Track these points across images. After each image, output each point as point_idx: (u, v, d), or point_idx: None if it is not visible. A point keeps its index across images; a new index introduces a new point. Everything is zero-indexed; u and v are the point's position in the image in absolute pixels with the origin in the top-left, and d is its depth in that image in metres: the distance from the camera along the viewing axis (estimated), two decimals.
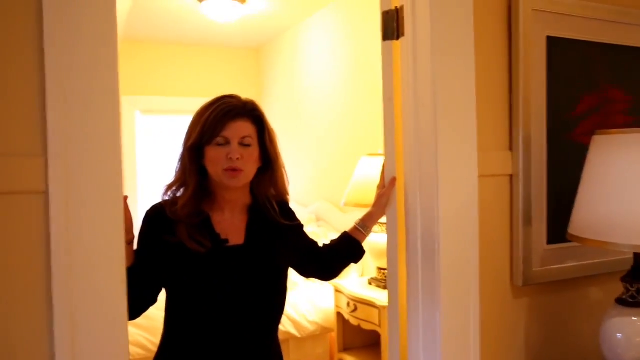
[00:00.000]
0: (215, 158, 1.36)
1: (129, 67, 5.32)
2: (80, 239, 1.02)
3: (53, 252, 1.00)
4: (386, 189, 1.54)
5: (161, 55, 5.51)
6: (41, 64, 1.00)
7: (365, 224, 1.65)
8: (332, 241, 1.68)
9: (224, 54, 5.78)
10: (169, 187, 1.43)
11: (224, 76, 5.61)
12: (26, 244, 1.01)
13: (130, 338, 2.79)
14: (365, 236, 1.66)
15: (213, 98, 1.42)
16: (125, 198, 1.20)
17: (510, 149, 1.47)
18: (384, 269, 2.86)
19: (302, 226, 1.62)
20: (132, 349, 2.81)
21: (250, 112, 1.42)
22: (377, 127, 3.42)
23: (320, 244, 1.68)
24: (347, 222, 3.93)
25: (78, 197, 1.02)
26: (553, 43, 1.48)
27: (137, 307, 1.35)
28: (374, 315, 2.70)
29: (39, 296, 1.01)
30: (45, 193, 1.00)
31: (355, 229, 1.66)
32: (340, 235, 1.68)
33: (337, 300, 3.10)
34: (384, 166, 1.58)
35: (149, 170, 5.52)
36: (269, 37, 5.43)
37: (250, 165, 1.40)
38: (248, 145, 1.39)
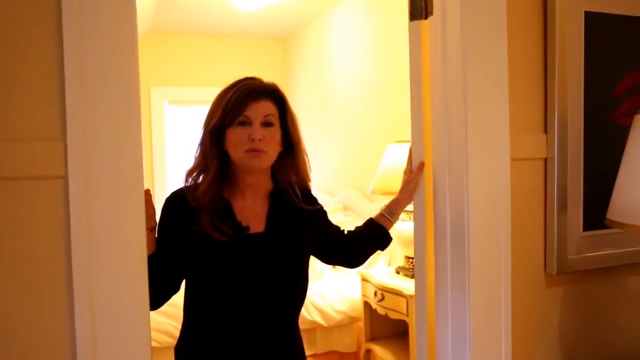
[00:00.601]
0: (236, 139, 1.33)
1: (157, 59, 5.35)
2: (101, 224, 1.01)
3: (73, 238, 0.99)
4: (414, 174, 1.49)
5: (188, 47, 5.53)
6: (59, 47, 0.99)
7: (392, 210, 1.59)
8: (357, 227, 1.64)
9: (251, 44, 5.77)
10: (190, 172, 1.41)
11: (251, 66, 5.59)
12: (45, 230, 1.00)
13: (158, 326, 2.82)
14: (391, 223, 1.61)
15: (234, 80, 1.39)
16: (147, 191, 1.19)
17: (545, 131, 1.40)
18: (412, 258, 2.81)
19: (324, 212, 1.59)
20: (160, 337, 2.84)
21: (272, 93, 1.40)
22: (404, 114, 3.35)
23: (345, 232, 1.64)
24: (374, 211, 3.85)
25: (98, 182, 1.01)
26: (591, 18, 1.40)
27: (159, 296, 1.33)
28: (401, 304, 2.66)
29: (59, 282, 1.01)
30: (65, 178, 0.99)
31: (381, 215, 1.61)
32: (366, 222, 1.63)
33: (364, 289, 3.06)
34: (411, 151, 1.53)
35: (178, 160, 5.56)
36: (295, 26, 5.39)
37: (272, 147, 1.37)
38: (271, 125, 1.36)
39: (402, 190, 1.55)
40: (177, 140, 5.66)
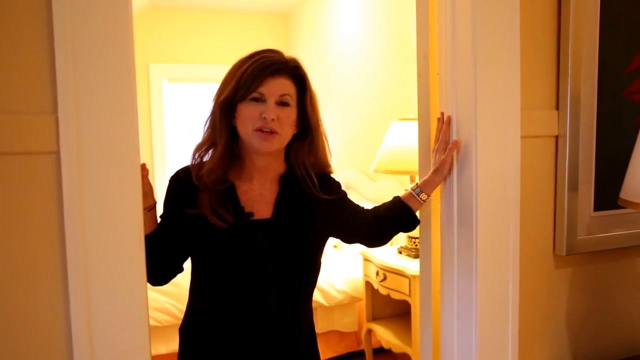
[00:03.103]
0: (247, 116, 1.23)
1: (156, 36, 5.26)
2: (95, 201, 0.97)
3: (66, 216, 0.95)
4: (447, 154, 1.34)
5: (187, 23, 5.43)
6: (48, 14, 0.93)
7: (423, 190, 1.42)
8: (383, 205, 1.50)
9: (252, 20, 5.67)
10: (198, 147, 1.31)
11: (251, 42, 5.47)
12: (37, 209, 0.96)
13: (158, 305, 2.80)
14: (420, 204, 1.44)
15: (253, 51, 1.29)
16: (143, 165, 1.13)
17: (557, 107, 1.36)
18: (415, 238, 2.78)
19: (346, 198, 1.46)
20: (160, 316, 2.82)
21: (292, 70, 1.28)
22: (408, 90, 3.29)
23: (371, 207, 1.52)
24: (377, 190, 3.86)
25: (91, 158, 0.96)
26: None
27: (163, 273, 1.29)
28: (404, 284, 2.64)
29: (53, 263, 0.97)
30: (57, 153, 0.95)
31: (410, 195, 1.44)
32: (393, 200, 1.48)
33: (365, 269, 3.04)
34: (437, 129, 1.41)
35: (177, 138, 5.51)
36: (297, 1, 5.28)
37: (286, 129, 1.26)
38: (286, 104, 1.25)
39: (436, 171, 1.38)
40: (178, 119, 5.60)
